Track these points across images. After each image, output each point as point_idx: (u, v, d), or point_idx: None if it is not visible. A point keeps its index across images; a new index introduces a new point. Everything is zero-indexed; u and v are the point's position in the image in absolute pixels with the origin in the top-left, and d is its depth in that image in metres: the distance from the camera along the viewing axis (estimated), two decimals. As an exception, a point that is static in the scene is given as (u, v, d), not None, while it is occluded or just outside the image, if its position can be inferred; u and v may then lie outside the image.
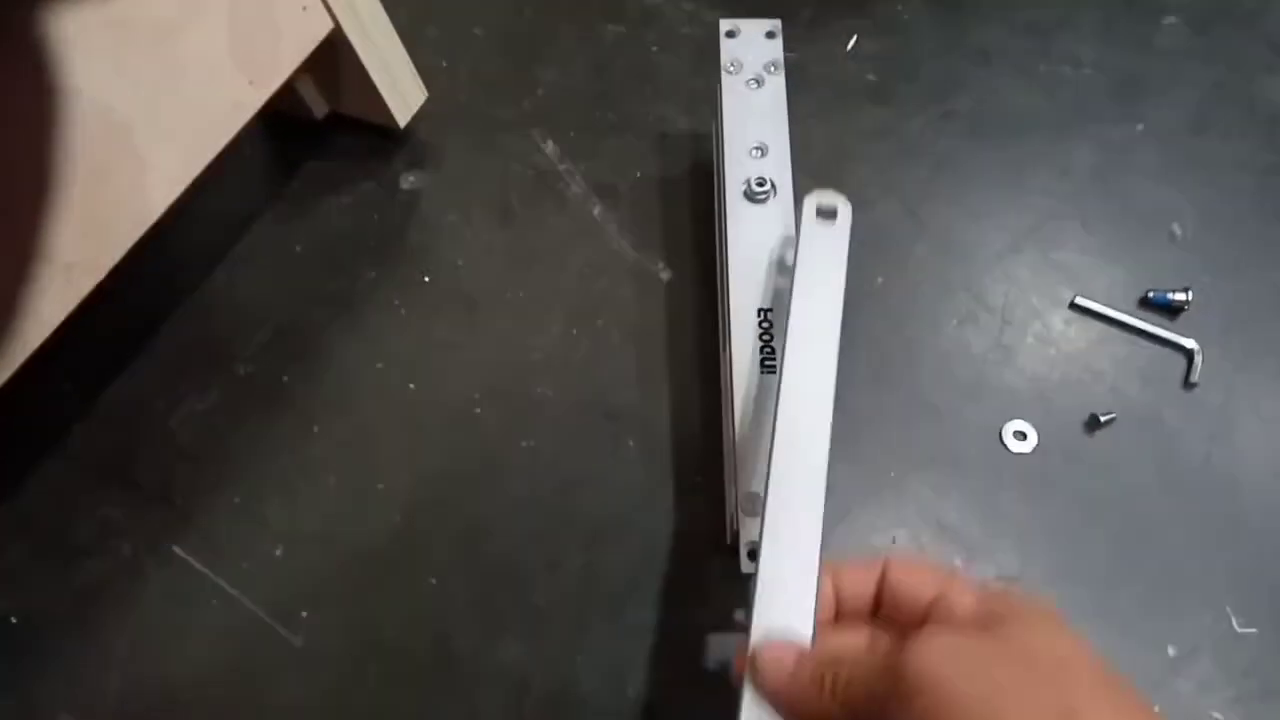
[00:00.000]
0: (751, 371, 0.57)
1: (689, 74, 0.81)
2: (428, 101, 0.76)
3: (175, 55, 0.56)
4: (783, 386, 0.48)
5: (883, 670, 0.37)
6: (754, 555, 0.52)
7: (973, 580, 0.42)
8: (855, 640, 0.42)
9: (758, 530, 0.52)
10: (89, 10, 0.50)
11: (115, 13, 0.52)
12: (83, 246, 0.55)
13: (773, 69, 0.67)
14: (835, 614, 0.44)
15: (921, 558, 0.44)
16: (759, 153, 0.65)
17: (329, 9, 0.63)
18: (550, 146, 0.78)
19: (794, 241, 0.57)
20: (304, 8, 0.62)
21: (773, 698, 0.41)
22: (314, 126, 0.77)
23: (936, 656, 0.36)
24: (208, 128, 0.60)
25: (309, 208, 0.75)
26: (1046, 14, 0.84)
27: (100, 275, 0.56)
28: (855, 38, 0.83)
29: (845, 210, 0.56)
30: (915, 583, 0.42)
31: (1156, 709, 0.35)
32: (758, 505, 0.53)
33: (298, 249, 0.73)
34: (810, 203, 0.55)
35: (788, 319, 0.51)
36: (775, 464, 0.46)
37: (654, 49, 0.83)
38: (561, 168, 0.77)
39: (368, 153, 0.78)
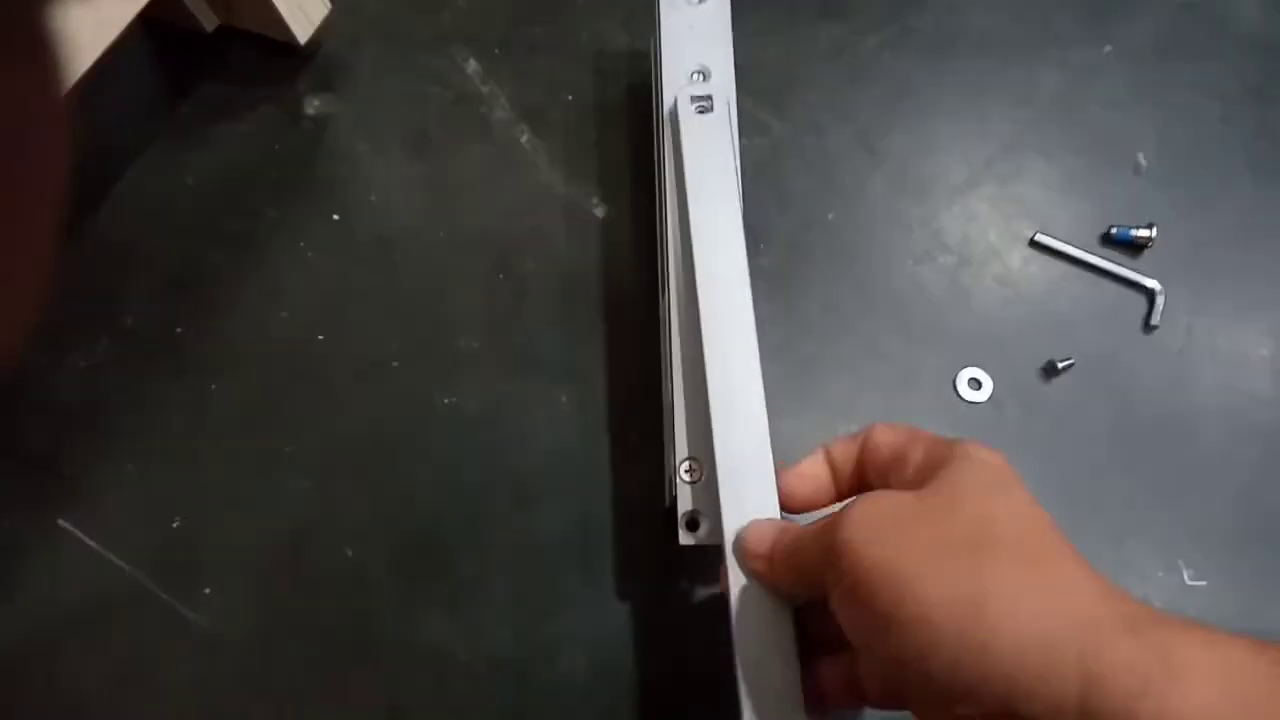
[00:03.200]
0: (692, 322, 0.52)
1: (627, -19, 0.74)
2: (334, 14, 0.68)
3: (14, -40, 0.47)
4: (699, 290, 0.50)
5: (818, 536, 0.36)
6: (693, 525, 0.49)
7: (933, 435, 0.40)
8: None
9: (696, 499, 0.48)
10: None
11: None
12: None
13: (716, -19, 0.61)
14: (835, 494, 0.44)
15: (903, 424, 0.42)
16: (700, 77, 0.59)
17: (205, -96, 0.55)
18: (472, 65, 0.70)
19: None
20: (173, -97, 0.53)
21: (759, 576, 0.41)
22: (205, 41, 0.68)
23: (859, 518, 0.34)
24: (68, 48, 0.52)
25: (201, 136, 0.67)
26: None
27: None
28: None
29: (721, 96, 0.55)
30: (885, 444, 0.41)
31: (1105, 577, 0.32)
32: (698, 471, 0.49)
33: (189, 182, 0.66)
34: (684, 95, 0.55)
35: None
36: (709, 368, 0.48)
37: (587, -45, 0.75)
38: (485, 90, 0.70)
39: (267, 73, 0.69)
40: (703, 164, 0.54)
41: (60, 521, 0.56)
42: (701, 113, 0.55)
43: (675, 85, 0.58)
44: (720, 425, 0.46)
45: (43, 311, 0.20)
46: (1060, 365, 0.61)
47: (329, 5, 0.67)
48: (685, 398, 0.51)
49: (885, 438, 0.41)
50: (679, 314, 0.53)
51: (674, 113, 0.56)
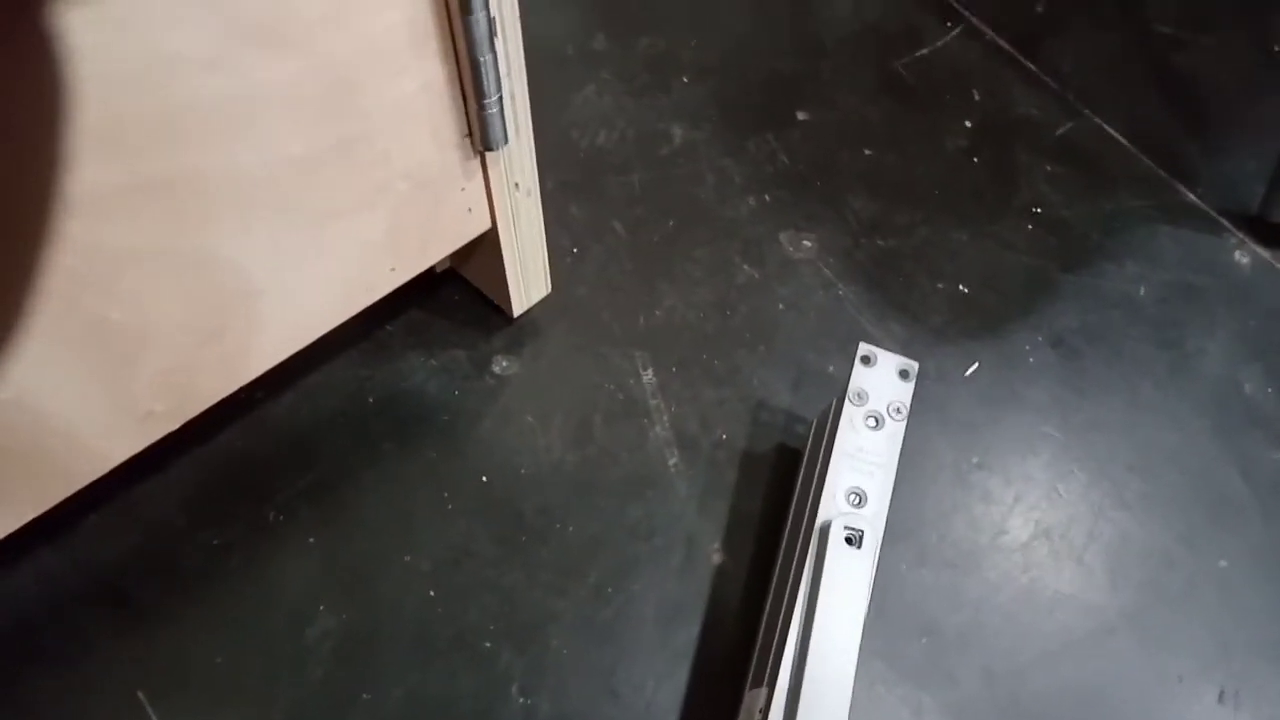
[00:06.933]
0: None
1: (807, 344, 0.80)
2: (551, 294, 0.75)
3: (330, 238, 0.54)
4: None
5: None
6: None
7: None
8: None
9: None
10: (260, 191, 0.49)
11: (287, 198, 0.50)
12: (167, 398, 0.52)
13: (896, 413, 0.66)
14: None
15: None
16: (856, 499, 0.63)
17: (492, 213, 0.62)
18: (649, 376, 0.76)
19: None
20: (469, 209, 0.60)
21: None
22: (428, 274, 0.75)
23: None
24: (335, 303, 0.58)
25: (395, 359, 0.73)
26: (1164, 430, 0.82)
27: (175, 426, 0.54)
28: (976, 365, 0.81)
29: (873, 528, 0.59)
30: None
31: None
32: None
33: (369, 400, 0.71)
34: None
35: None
36: None
37: (781, 306, 0.82)
38: (653, 403, 0.75)
39: (471, 319, 0.76)
40: (838, 595, 0.57)
41: (139, 694, 0.59)
42: (850, 544, 0.59)
43: (832, 498, 0.62)
44: None
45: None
46: None
47: (550, 288, 0.74)
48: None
49: None
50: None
51: (824, 533, 0.60)
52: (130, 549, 0.63)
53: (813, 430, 0.72)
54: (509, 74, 0.53)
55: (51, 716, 0.58)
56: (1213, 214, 0.93)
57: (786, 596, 0.60)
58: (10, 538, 0.60)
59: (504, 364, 0.74)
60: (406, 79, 0.50)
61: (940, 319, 0.84)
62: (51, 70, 0.36)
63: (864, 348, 0.67)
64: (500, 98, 0.53)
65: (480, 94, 0.52)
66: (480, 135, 0.55)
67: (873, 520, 0.61)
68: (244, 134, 0.45)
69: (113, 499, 0.65)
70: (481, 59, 0.50)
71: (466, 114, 0.54)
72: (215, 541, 0.64)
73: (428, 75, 0.51)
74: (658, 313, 0.79)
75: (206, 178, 0.45)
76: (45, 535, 0.63)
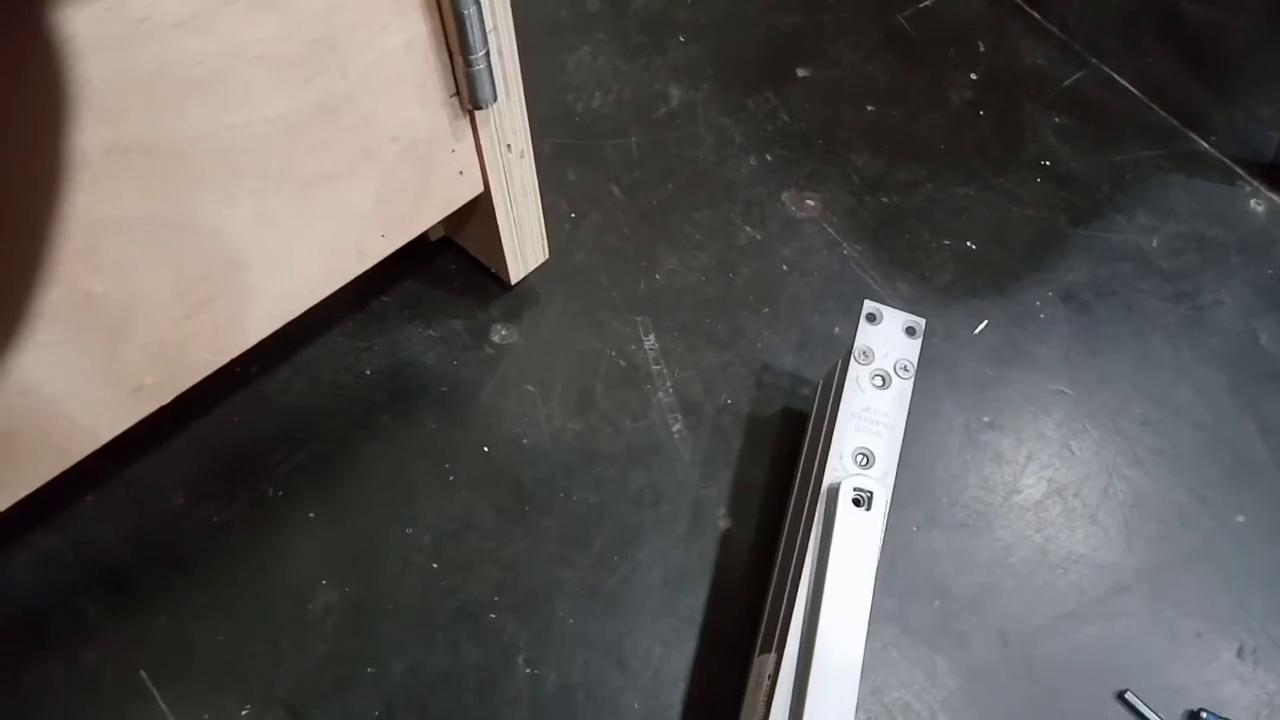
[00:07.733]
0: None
1: (811, 305, 0.78)
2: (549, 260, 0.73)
3: (318, 204, 0.52)
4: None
5: None
6: None
7: None
8: None
9: None
10: (243, 156, 0.47)
11: (271, 163, 0.48)
12: (158, 371, 0.51)
13: (903, 371, 0.64)
14: None
15: None
16: (864, 460, 0.61)
17: (484, 175, 0.60)
18: (651, 342, 0.75)
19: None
20: (460, 172, 0.59)
21: None
22: (423, 242, 0.74)
23: None
24: (326, 271, 0.57)
25: (392, 330, 0.72)
26: (1178, 385, 0.80)
27: (167, 400, 0.53)
28: (985, 324, 0.80)
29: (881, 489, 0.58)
30: None
31: None
32: None
33: (367, 372, 0.70)
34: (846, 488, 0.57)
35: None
36: None
37: (784, 267, 0.80)
38: (655, 368, 0.73)
39: (468, 288, 0.74)
40: (847, 557, 0.56)
41: (141, 672, 0.58)
42: (858, 505, 0.58)
43: (839, 459, 0.61)
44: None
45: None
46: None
47: (548, 254, 0.72)
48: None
49: None
50: (785, 690, 0.54)
51: (832, 495, 0.58)
52: (129, 529, 0.62)
53: (818, 392, 0.71)
54: (495, 28, 0.51)
55: (56, 702, 0.57)
56: (1226, 162, 0.91)
57: (795, 561, 0.59)
58: (8, 522, 0.60)
59: (503, 333, 0.73)
60: (389, 35, 0.48)
61: (947, 277, 0.82)
62: (29, 43, 0.35)
63: (869, 305, 0.66)
64: (487, 53, 0.51)
65: (466, 49, 0.50)
66: (468, 93, 0.53)
67: (881, 481, 0.60)
68: (224, 96, 0.44)
69: (110, 479, 0.64)
70: (466, 11, 0.48)
71: (453, 71, 0.52)
72: (215, 519, 0.63)
73: (411, 30, 0.49)
74: (658, 277, 0.78)
75: (187, 142, 0.44)
76: (43, 518, 0.62)
